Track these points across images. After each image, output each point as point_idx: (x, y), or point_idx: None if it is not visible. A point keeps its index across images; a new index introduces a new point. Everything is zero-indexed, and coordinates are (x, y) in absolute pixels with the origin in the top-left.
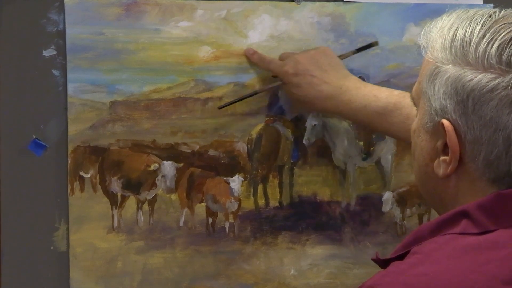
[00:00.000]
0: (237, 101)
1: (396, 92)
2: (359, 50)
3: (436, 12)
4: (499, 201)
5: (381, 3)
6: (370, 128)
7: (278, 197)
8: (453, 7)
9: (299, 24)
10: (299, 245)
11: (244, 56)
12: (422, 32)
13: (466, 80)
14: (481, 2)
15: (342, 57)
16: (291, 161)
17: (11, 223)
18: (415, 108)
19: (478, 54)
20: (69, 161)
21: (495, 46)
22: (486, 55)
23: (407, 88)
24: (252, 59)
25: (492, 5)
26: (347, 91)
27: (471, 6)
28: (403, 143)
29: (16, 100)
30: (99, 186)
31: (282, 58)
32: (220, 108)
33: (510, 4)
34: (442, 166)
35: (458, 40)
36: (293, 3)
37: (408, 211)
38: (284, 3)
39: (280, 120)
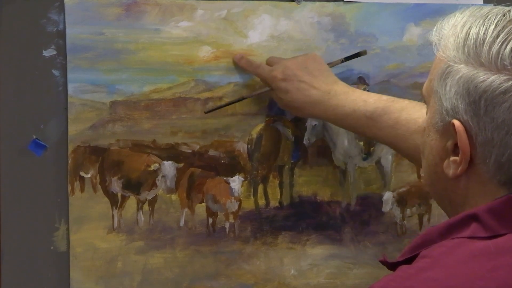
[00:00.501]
0: (223, 106)
1: (384, 97)
2: (348, 58)
3: (436, 12)
4: (510, 205)
5: (381, 3)
6: (359, 134)
7: (278, 197)
8: (452, 7)
9: (299, 24)
10: (299, 245)
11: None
12: (434, 29)
13: (479, 81)
14: (481, 2)
15: (330, 65)
16: (292, 161)
17: (11, 223)
18: (405, 112)
19: (492, 54)
20: (69, 161)
21: (509, 47)
22: (500, 56)
23: (407, 88)
24: (239, 64)
25: (492, 5)
26: (336, 95)
27: (471, 6)
28: (422, 139)
29: (16, 100)
30: (99, 186)
31: (269, 62)
32: (206, 112)
33: (510, 4)
34: (452, 166)
35: (471, 39)
36: (293, 3)
37: (408, 211)
38: (284, 3)
39: (280, 120)
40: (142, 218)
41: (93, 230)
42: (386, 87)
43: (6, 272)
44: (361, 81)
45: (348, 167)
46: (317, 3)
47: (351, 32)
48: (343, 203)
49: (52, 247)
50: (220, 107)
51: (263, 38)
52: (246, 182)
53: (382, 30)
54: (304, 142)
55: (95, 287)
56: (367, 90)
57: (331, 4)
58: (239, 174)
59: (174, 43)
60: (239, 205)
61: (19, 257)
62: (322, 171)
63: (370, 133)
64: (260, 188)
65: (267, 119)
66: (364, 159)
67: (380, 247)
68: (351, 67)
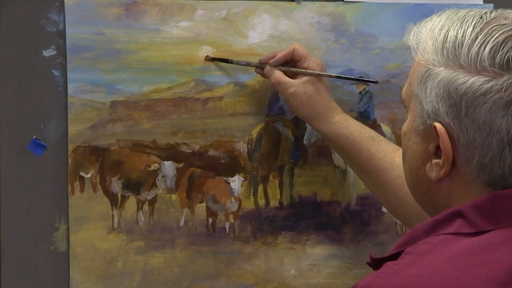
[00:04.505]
0: (230, 63)
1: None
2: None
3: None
4: (494, 201)
5: (381, 3)
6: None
7: (278, 197)
8: (452, 7)
9: (299, 24)
10: (299, 245)
11: (244, 56)
12: (412, 33)
13: (459, 83)
14: (481, 2)
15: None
16: (291, 161)
17: (11, 223)
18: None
19: (471, 56)
20: (69, 161)
21: (487, 48)
22: (479, 57)
23: None
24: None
25: (492, 5)
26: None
27: (471, 6)
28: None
29: (16, 100)
30: (99, 186)
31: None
32: (207, 59)
33: (510, 4)
34: (434, 169)
35: (449, 42)
36: (293, 3)
37: None
38: (284, 3)
39: (280, 120)
40: (142, 218)
41: (93, 230)
42: (386, 87)
43: (6, 272)
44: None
45: (348, 167)
46: (317, 3)
47: (351, 32)
48: (343, 203)
49: (52, 247)
50: (227, 61)
51: (263, 38)
52: (246, 182)
53: (382, 30)
54: (304, 142)
55: (95, 287)
56: (367, 90)
57: (331, 4)
58: (239, 174)
59: (174, 43)
60: (239, 205)
61: (19, 257)
62: (322, 171)
63: (366, 152)
64: (260, 188)
65: (267, 119)
66: None
67: (380, 247)
68: (351, 67)
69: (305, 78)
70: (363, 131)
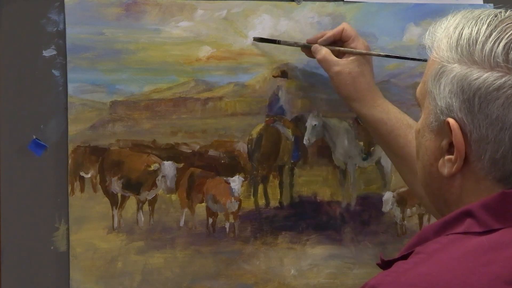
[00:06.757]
0: (278, 43)
1: None
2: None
3: (436, 12)
4: (504, 200)
5: (381, 3)
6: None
7: (279, 197)
8: (452, 7)
9: (299, 24)
10: (299, 245)
11: (245, 55)
12: (427, 33)
13: (473, 79)
14: (481, 2)
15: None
16: (292, 161)
17: (11, 223)
18: None
19: (485, 52)
20: (69, 161)
21: (501, 45)
22: (493, 53)
23: (407, 88)
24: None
25: (492, 5)
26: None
27: (471, 6)
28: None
29: (16, 100)
30: (99, 186)
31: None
32: (255, 39)
33: (510, 4)
34: (447, 165)
35: (464, 39)
36: (293, 3)
37: (408, 211)
38: (284, 3)
39: (280, 120)
40: (142, 218)
41: (93, 230)
42: (386, 87)
43: (6, 272)
44: None
45: (348, 167)
46: (317, 3)
47: None
48: (343, 203)
49: (52, 247)
50: (276, 42)
51: None
52: (246, 182)
53: (382, 30)
54: (304, 142)
55: (95, 287)
56: None
57: (331, 4)
58: (239, 174)
59: (174, 43)
60: (239, 205)
61: (19, 257)
62: (322, 171)
63: (402, 137)
64: (260, 188)
65: (267, 119)
66: (364, 159)
67: (380, 247)
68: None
69: (351, 59)
70: (402, 117)
